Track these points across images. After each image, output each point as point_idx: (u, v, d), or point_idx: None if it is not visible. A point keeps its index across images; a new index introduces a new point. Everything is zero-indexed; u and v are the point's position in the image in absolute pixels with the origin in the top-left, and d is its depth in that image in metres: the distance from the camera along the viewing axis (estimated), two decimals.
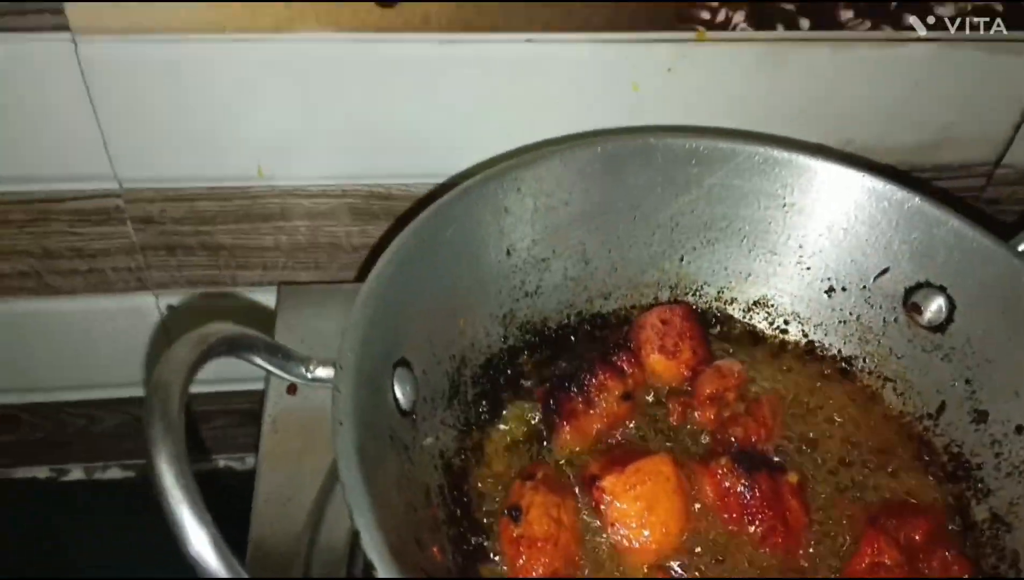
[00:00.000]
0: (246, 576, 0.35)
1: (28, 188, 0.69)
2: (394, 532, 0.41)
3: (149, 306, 0.80)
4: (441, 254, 0.53)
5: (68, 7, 0.58)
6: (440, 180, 0.72)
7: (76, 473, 0.99)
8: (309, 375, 0.47)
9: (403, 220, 0.74)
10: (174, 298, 0.80)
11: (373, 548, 0.37)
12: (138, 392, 0.89)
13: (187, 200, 0.72)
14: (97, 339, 0.83)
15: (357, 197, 0.73)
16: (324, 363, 0.48)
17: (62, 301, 0.78)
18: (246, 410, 0.95)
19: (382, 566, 0.37)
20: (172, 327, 0.83)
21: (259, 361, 0.45)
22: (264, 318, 0.80)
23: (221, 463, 1.01)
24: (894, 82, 0.71)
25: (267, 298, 0.79)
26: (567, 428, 0.56)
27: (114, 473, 0.99)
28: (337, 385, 0.43)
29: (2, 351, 0.82)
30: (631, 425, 0.57)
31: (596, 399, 0.56)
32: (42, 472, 0.98)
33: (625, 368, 0.58)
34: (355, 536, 0.39)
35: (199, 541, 0.35)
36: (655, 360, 0.59)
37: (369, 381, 0.45)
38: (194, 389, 0.88)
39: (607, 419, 0.56)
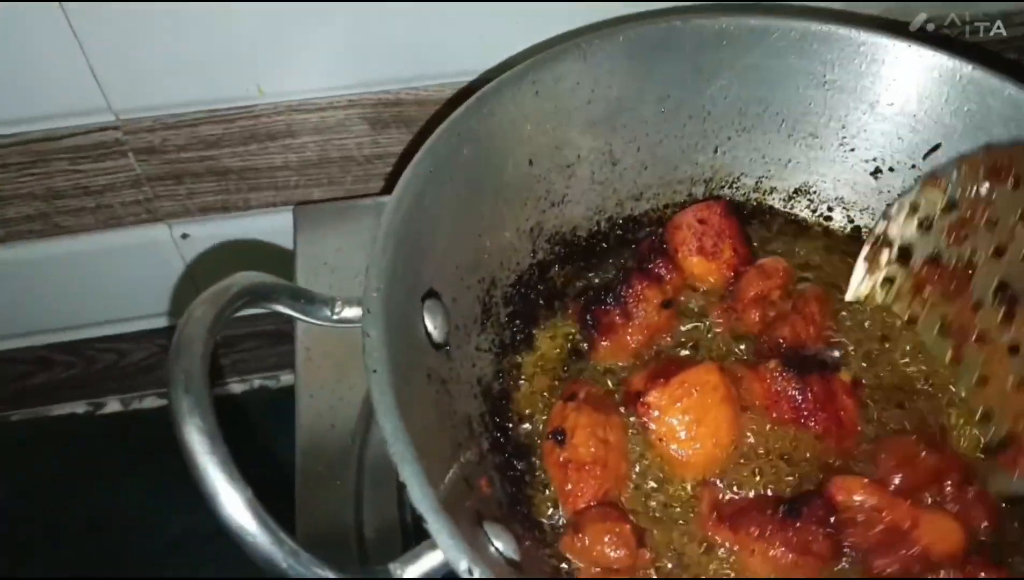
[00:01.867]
0: (288, 540, 0.34)
1: (22, 129, 0.66)
2: (441, 478, 0.39)
3: (163, 237, 0.78)
4: (459, 174, 0.50)
5: None
6: (450, 81, 0.68)
7: (113, 405, 0.99)
8: (335, 317, 0.44)
9: (415, 128, 0.71)
10: (188, 227, 0.77)
11: (423, 504, 0.36)
12: (164, 322, 0.88)
13: (188, 126, 0.68)
14: (115, 274, 0.81)
15: (365, 106, 0.69)
16: (349, 303, 0.45)
17: (74, 240, 0.76)
18: (273, 331, 0.94)
19: (434, 521, 0.36)
20: (188, 255, 0.81)
21: (282, 308, 0.42)
22: (282, 235, 0.78)
23: (256, 383, 1.01)
24: None
25: (283, 218, 0.76)
26: (605, 343, 0.54)
27: (151, 402, 0.99)
28: (366, 329, 0.41)
29: (22, 295, 0.81)
30: (672, 334, 0.55)
31: (634, 310, 0.53)
32: (80, 407, 0.99)
33: (663, 274, 0.55)
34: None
35: (236, 510, 0.34)
36: (694, 262, 0.56)
37: (399, 320, 0.43)
38: None
39: (647, 330, 0.54)
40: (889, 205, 0.56)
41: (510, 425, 0.51)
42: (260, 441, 0.91)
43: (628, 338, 0.54)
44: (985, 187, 0.51)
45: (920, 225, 0.55)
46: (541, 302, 0.57)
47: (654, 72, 0.56)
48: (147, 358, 0.92)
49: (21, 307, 0.82)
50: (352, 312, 0.45)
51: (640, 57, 0.56)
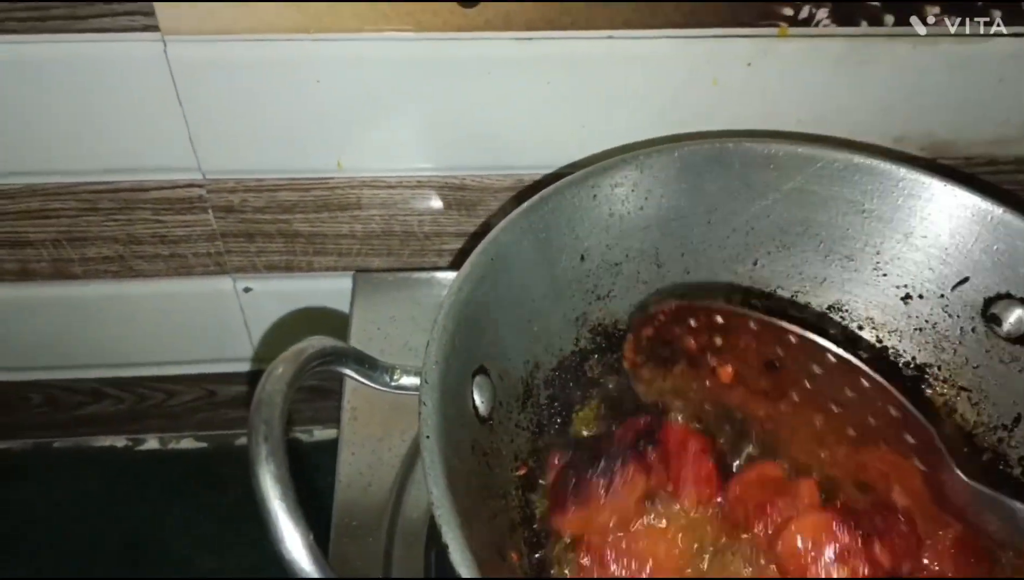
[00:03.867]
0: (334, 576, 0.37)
1: (116, 178, 0.72)
2: (480, 545, 0.42)
3: (227, 288, 0.83)
4: (517, 264, 0.54)
5: (159, 10, 0.60)
6: (513, 172, 0.73)
7: (151, 443, 1.03)
8: (393, 383, 0.48)
9: (474, 212, 0.76)
10: (252, 281, 0.82)
11: (464, 567, 0.39)
12: (215, 368, 0.93)
13: (268, 191, 0.74)
14: (177, 318, 0.86)
15: (432, 188, 0.74)
16: (407, 372, 0.49)
17: (144, 283, 0.81)
18: (312, 387, 0.98)
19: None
20: (247, 307, 0.85)
21: (348, 371, 0.46)
22: (337, 297, 0.82)
23: (291, 436, 1.04)
24: (977, 78, 0.69)
25: (340, 282, 0.81)
26: (573, 512, 0.52)
27: (188, 443, 1.03)
28: (423, 398, 0.45)
29: (87, 329, 0.86)
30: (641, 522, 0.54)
31: (618, 490, 0.52)
32: (120, 441, 1.03)
33: (653, 465, 0.54)
34: (442, 547, 0.40)
35: (299, 554, 0.37)
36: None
37: (452, 392, 0.47)
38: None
39: (617, 513, 0.53)
40: None
41: (538, 503, 0.54)
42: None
43: (596, 514, 0.52)
44: None
45: None
46: (577, 386, 0.60)
47: (704, 187, 0.61)
48: (193, 401, 0.96)
49: (86, 340, 0.87)
50: (409, 380, 0.49)
51: (692, 172, 0.60)
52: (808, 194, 0.61)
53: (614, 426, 0.58)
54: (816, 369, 0.53)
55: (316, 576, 0.36)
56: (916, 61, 0.67)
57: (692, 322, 0.56)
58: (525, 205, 0.55)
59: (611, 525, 0.52)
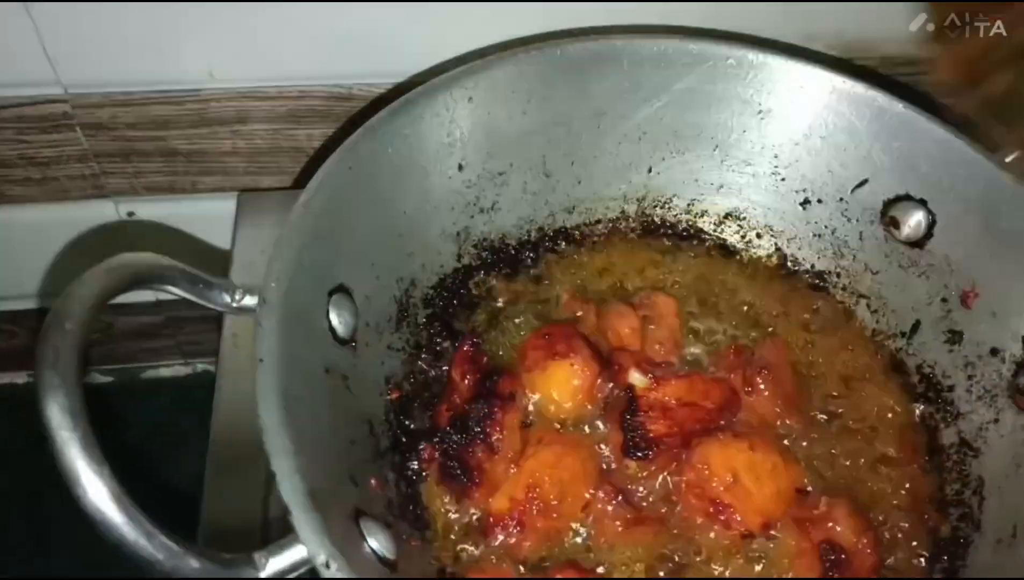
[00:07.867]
0: (150, 526, 0.34)
1: None
2: (322, 473, 0.39)
3: (109, 213, 0.78)
4: (382, 173, 0.50)
5: None
6: (405, 81, 0.68)
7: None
8: (235, 304, 0.44)
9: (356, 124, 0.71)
10: (135, 205, 0.77)
11: (291, 496, 0.36)
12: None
13: (138, 105, 0.68)
14: (61, 247, 0.81)
15: (316, 99, 0.69)
16: (251, 291, 0.45)
17: (21, 209, 0.76)
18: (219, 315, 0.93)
19: (298, 513, 0.36)
20: (134, 234, 0.80)
21: (179, 292, 0.42)
22: (229, 221, 0.77)
23: (200, 367, 1.01)
24: None
25: (231, 204, 0.76)
26: (479, 492, 0.49)
27: (92, 378, 0.99)
28: (260, 319, 0.41)
29: None
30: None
31: (498, 443, 0.50)
32: (20, 378, 0.98)
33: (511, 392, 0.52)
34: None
35: (97, 493, 0.33)
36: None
37: (299, 311, 0.43)
38: (162, 297, 0.87)
39: (513, 458, 0.50)
40: None
41: (413, 426, 0.51)
42: (199, 425, 0.91)
43: (498, 473, 0.50)
44: None
45: None
46: (463, 305, 0.57)
47: (591, 88, 0.57)
48: (92, 334, 0.92)
49: None
50: (252, 301, 0.44)
51: (578, 72, 0.56)
52: (701, 94, 0.57)
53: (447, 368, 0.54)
54: None
55: (117, 518, 0.33)
56: None
57: None
58: (388, 108, 0.51)
59: (512, 471, 0.50)
